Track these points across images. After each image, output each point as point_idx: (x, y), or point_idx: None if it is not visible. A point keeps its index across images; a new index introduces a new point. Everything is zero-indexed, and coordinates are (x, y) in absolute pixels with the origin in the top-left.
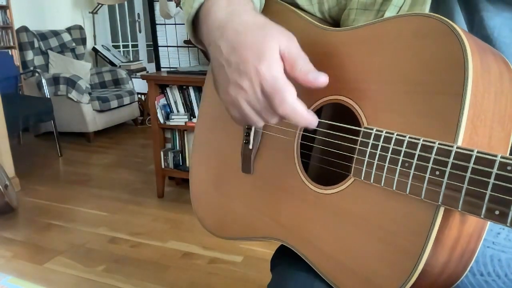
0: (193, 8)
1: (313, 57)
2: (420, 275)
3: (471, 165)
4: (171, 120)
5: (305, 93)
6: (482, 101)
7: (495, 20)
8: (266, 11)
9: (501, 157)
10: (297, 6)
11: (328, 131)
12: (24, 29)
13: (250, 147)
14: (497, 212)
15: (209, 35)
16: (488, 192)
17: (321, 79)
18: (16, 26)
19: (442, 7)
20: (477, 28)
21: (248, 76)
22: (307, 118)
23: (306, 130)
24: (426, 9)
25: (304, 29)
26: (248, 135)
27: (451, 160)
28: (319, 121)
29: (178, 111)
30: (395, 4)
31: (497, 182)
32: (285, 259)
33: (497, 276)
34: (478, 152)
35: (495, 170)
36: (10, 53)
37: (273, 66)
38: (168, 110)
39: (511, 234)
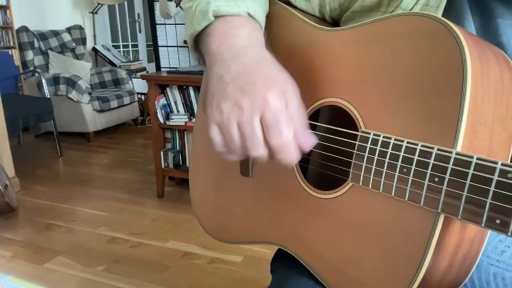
0: (201, 26)
1: (310, 58)
2: (421, 282)
3: (471, 171)
4: (171, 120)
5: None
6: (482, 104)
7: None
8: None
9: (502, 164)
10: (294, 6)
11: (325, 135)
12: (24, 29)
13: None
14: (498, 221)
15: (222, 53)
16: (489, 200)
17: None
18: (16, 26)
19: (453, 15)
20: (492, 35)
21: (251, 97)
22: (295, 157)
23: None
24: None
25: (300, 30)
26: None
27: (450, 166)
28: (316, 125)
29: (178, 111)
30: (403, 8)
31: (497, 190)
32: (286, 261)
33: None
34: (478, 158)
35: (495, 177)
36: (10, 53)
37: (282, 97)
38: (168, 110)
39: None
